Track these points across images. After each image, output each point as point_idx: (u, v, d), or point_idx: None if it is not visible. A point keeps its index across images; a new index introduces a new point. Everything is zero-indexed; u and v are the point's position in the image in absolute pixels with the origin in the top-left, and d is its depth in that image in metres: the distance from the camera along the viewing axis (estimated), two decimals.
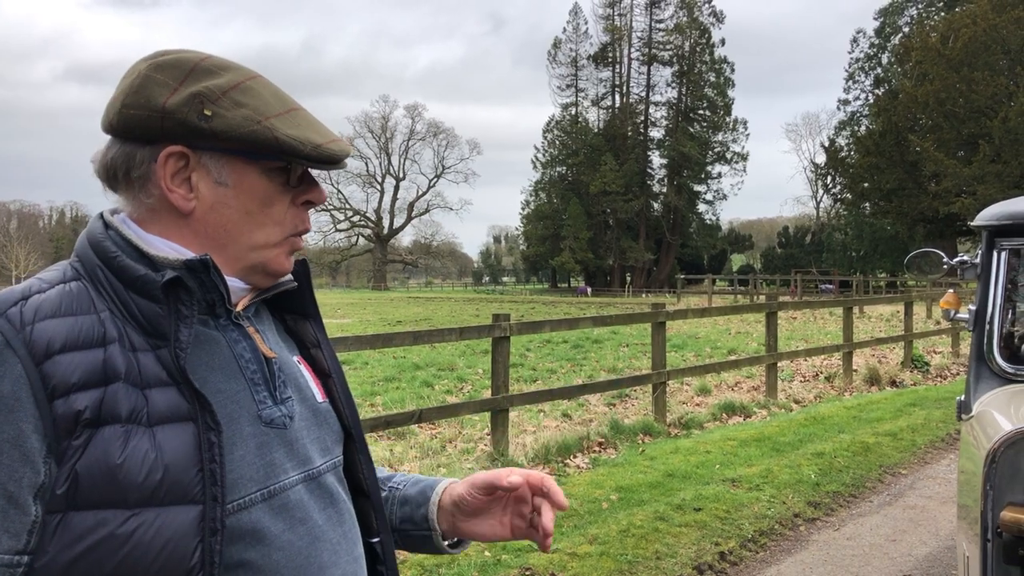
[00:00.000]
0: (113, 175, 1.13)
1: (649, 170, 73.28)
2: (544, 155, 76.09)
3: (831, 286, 46.65)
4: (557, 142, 75.20)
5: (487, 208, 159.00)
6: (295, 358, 1.24)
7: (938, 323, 21.02)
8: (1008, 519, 2.07)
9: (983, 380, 2.71)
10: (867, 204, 53.19)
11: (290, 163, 1.12)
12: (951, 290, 3.10)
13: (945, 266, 2.93)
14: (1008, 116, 36.69)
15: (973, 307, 2.81)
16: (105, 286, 1.07)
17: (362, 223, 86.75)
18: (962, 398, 2.90)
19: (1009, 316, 2.80)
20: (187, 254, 1.10)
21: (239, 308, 1.17)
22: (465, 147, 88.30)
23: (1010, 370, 2.67)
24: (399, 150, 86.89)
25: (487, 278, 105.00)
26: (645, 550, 5.41)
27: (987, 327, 2.74)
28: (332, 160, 1.13)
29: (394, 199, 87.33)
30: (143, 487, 0.98)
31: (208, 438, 1.02)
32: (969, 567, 2.41)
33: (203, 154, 1.10)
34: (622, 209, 67.94)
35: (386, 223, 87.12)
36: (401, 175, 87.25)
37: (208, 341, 1.11)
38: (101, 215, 1.14)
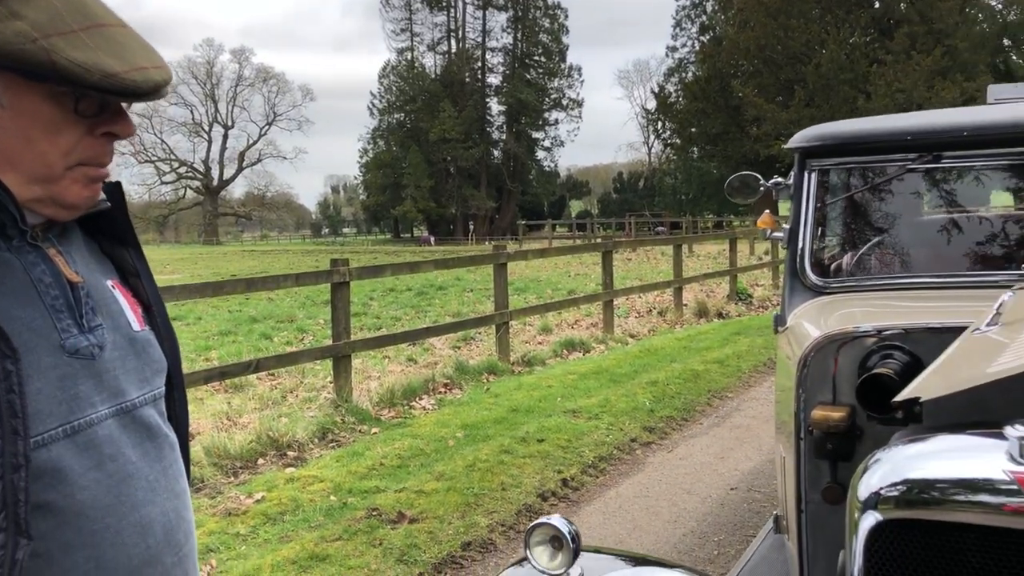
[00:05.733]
0: None
1: (488, 117, 73.37)
2: (381, 101, 74.61)
3: (664, 228, 48.69)
4: (394, 88, 73.84)
5: (324, 157, 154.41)
6: (109, 282, 1.14)
7: (760, 259, 22.38)
8: (818, 417, 2.22)
9: (796, 294, 2.88)
10: (695, 148, 55.48)
11: (78, 91, 0.98)
12: (767, 211, 3.27)
13: (762, 188, 3.08)
14: (820, 63, 39.05)
15: (787, 226, 2.98)
16: None
17: (189, 174, 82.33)
18: (779, 313, 3.08)
19: (819, 233, 2.99)
20: None
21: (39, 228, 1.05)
22: (297, 93, 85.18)
23: (820, 283, 2.85)
24: (226, 97, 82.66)
25: (326, 230, 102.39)
26: (491, 482, 5.51)
27: (799, 244, 2.91)
28: (132, 92, 0.98)
29: (223, 148, 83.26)
30: None
31: (4, 366, 0.92)
32: (785, 467, 2.57)
33: None
34: (463, 157, 67.84)
35: (215, 174, 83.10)
36: (229, 123, 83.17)
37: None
38: None
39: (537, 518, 5.66)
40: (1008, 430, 1.26)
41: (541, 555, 1.73)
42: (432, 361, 9.81)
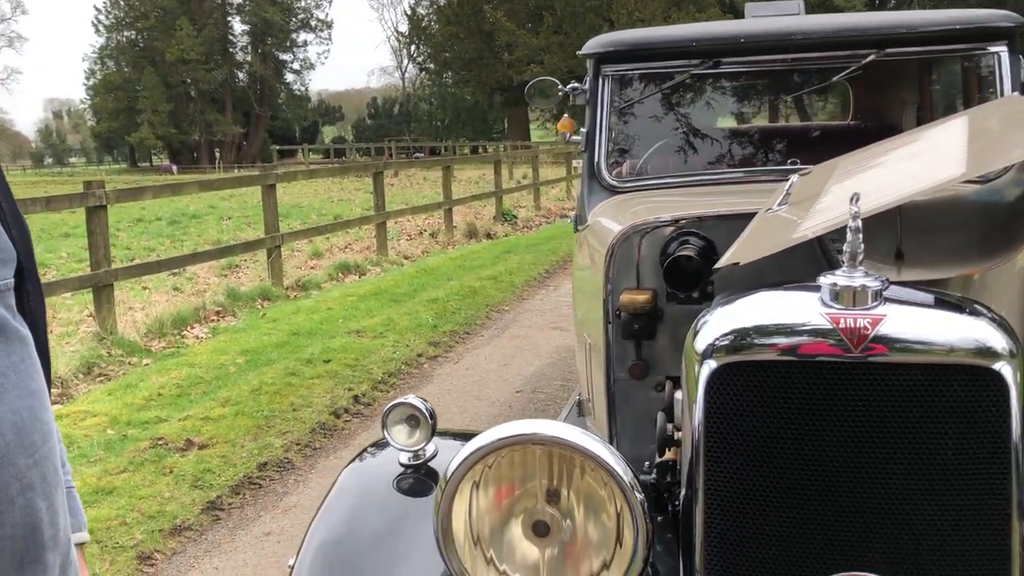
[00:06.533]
0: None
1: (231, 37, 68.79)
2: (108, 17, 67.58)
3: (422, 154, 48.74)
4: (122, 3, 67.16)
5: (43, 79, 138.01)
6: None
7: (519, 183, 23.11)
8: (625, 300, 2.42)
9: (595, 194, 3.07)
10: (449, 74, 55.49)
11: None
12: (566, 115, 3.43)
13: (560, 92, 3.22)
14: None
15: (584, 129, 3.15)
16: None
17: None
18: (575, 215, 3.27)
19: (613, 135, 3.18)
20: None
21: None
22: (5, 6, 75.00)
23: (615, 183, 3.05)
24: None
25: (50, 159, 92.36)
26: (281, 404, 5.43)
27: (596, 147, 3.09)
28: None
29: None
30: None
31: None
32: (590, 353, 2.77)
33: None
34: (204, 79, 63.45)
35: None
36: None
37: None
38: None
39: (332, 435, 5.60)
40: (821, 280, 1.47)
41: (399, 434, 1.77)
42: (199, 290, 9.36)
